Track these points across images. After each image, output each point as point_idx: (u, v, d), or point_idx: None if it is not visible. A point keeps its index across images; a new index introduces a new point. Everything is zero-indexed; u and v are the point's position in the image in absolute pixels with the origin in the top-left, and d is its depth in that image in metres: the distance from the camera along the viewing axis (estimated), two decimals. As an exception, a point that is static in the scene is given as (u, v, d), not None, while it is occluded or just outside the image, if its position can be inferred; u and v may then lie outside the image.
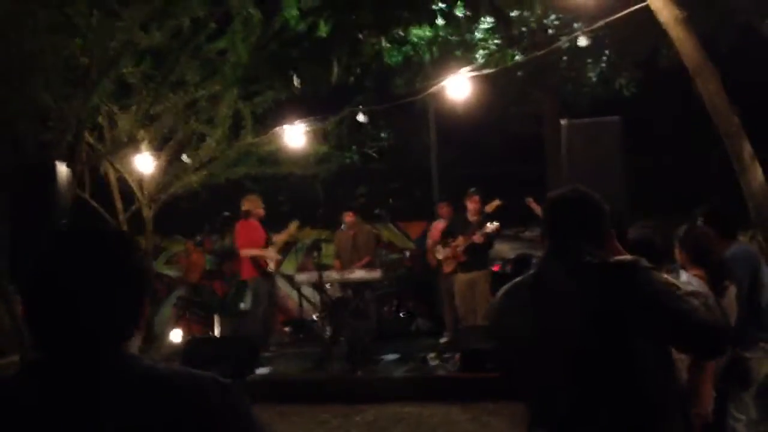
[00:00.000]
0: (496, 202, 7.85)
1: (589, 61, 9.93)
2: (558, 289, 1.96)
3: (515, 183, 11.93)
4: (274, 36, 8.32)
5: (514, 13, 6.64)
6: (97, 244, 1.28)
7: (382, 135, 13.28)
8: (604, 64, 9.95)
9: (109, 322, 1.22)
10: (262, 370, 7.30)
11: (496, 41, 9.67)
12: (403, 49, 9.71)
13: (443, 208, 8.79)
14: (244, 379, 6.70)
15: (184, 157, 8.66)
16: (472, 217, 7.96)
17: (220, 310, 9.53)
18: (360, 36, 6.05)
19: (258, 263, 8.27)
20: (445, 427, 5.67)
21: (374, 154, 13.09)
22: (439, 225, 8.73)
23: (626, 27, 7.64)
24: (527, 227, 11.14)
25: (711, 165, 11.71)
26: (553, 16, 8.92)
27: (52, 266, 1.24)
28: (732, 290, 3.44)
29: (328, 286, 8.33)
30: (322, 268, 8.01)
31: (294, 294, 10.75)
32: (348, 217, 8.65)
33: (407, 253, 10.85)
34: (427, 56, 9.77)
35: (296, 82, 6.58)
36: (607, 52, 9.79)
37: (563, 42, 7.46)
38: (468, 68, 7.11)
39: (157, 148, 8.56)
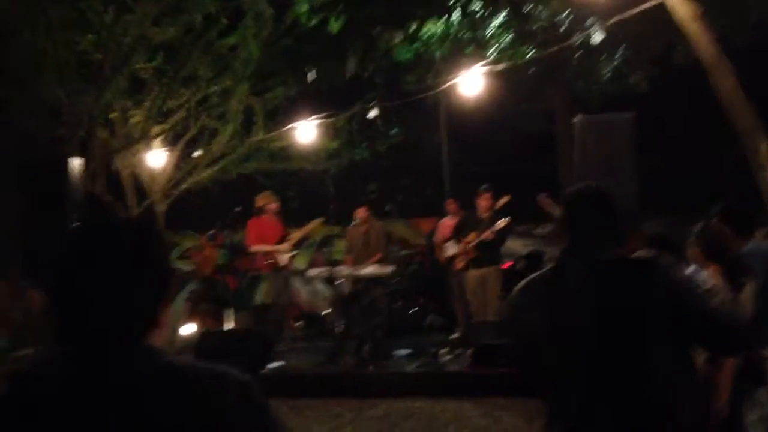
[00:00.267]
0: (505, 199, 7.84)
1: (603, 57, 9.87)
2: (576, 286, 1.95)
3: (526, 180, 11.92)
4: (286, 32, 8.34)
5: (529, 8, 6.61)
6: (120, 236, 1.28)
7: (393, 131, 13.28)
8: (617, 61, 9.89)
9: (130, 315, 1.22)
10: (274, 364, 7.33)
11: (508, 38, 9.64)
12: (414, 45, 9.70)
13: (451, 205, 8.80)
14: (257, 373, 6.73)
15: (196, 153, 8.70)
16: (483, 213, 7.95)
17: (232, 304, 9.57)
18: (374, 32, 6.05)
19: (268, 259, 8.30)
20: (457, 422, 5.67)
21: (385, 151, 13.09)
22: (447, 222, 8.73)
23: (640, 23, 7.60)
24: (539, 224, 11.13)
25: (725, 162, 11.66)
26: (566, 13, 8.86)
27: (74, 258, 1.24)
28: (750, 287, 3.42)
29: (339, 281, 8.34)
30: (333, 263, 8.02)
31: (305, 289, 10.79)
32: (360, 213, 8.66)
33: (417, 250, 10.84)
34: (438, 53, 9.75)
35: (311, 77, 6.60)
36: (620, 48, 9.73)
37: (577, 38, 7.43)
38: (480, 65, 7.10)
39: (170, 143, 8.61)
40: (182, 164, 8.67)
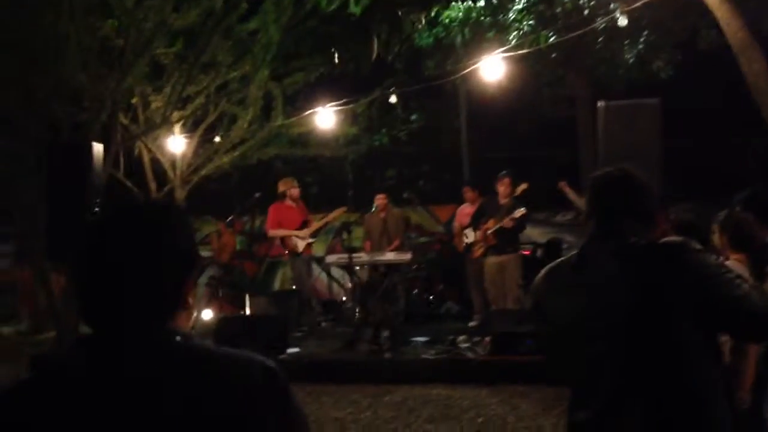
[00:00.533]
0: (524, 186, 7.77)
1: (626, 42, 9.72)
2: (602, 271, 1.91)
3: (547, 166, 11.81)
4: (307, 16, 8.30)
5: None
6: (144, 217, 1.27)
7: (413, 117, 13.22)
8: (641, 46, 9.73)
9: (156, 296, 1.21)
10: (292, 350, 7.36)
11: (529, 22, 9.51)
12: (435, 30, 9.61)
13: (469, 193, 8.74)
14: (275, 359, 6.76)
15: (216, 139, 8.72)
16: (502, 200, 7.90)
17: (250, 290, 9.62)
18: (400, 13, 5.99)
19: (286, 245, 8.31)
20: (475, 409, 5.66)
21: (404, 137, 13.04)
22: (465, 209, 8.69)
23: (664, 7, 7.46)
24: (558, 212, 11.04)
25: (750, 150, 11.45)
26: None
27: (98, 240, 1.23)
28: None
29: (357, 268, 8.34)
30: (351, 250, 8.02)
31: (323, 275, 10.83)
32: (379, 200, 8.64)
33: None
34: (459, 38, 9.65)
35: (336, 59, 6.56)
36: (645, 33, 9.56)
37: (601, 22, 7.32)
38: (501, 50, 7.02)
39: (190, 129, 8.63)
40: (202, 150, 8.70)
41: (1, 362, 7.48)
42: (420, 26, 8.11)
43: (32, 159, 7.11)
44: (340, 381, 6.54)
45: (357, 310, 8.14)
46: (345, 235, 8.38)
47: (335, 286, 10.52)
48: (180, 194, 8.58)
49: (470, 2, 6.50)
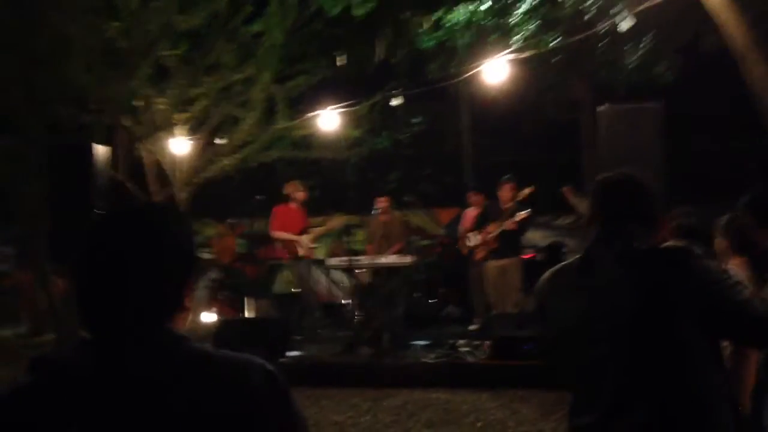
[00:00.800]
0: (528, 190, 7.77)
1: (629, 46, 9.71)
2: (606, 274, 1.91)
3: (549, 169, 11.81)
4: (312, 18, 8.32)
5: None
6: (144, 220, 1.28)
7: (415, 120, 13.22)
8: (643, 50, 9.72)
9: (155, 299, 1.22)
10: (292, 353, 7.35)
11: (532, 26, 9.51)
12: (437, 33, 9.61)
13: (473, 196, 8.74)
14: (276, 362, 6.75)
15: (219, 141, 8.73)
16: (505, 204, 7.90)
17: (251, 292, 9.61)
18: (403, 16, 6.00)
19: (288, 248, 8.30)
20: (475, 413, 5.65)
21: (406, 140, 13.04)
22: (470, 213, 8.69)
23: (667, 11, 7.45)
24: (560, 215, 11.04)
25: (751, 153, 11.44)
26: (591, 0, 8.72)
27: (98, 244, 1.24)
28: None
29: (358, 271, 8.34)
30: (353, 253, 8.01)
31: (324, 278, 10.82)
32: (381, 203, 8.64)
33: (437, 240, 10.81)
34: (462, 41, 9.64)
35: (340, 62, 6.57)
36: (646, 37, 9.56)
37: (603, 26, 7.32)
38: (504, 53, 7.02)
39: (193, 131, 8.65)
40: (204, 152, 8.70)
41: (4, 365, 7.49)
42: (423, 29, 8.11)
43: (35, 160, 7.13)
44: (340, 384, 6.53)
45: (357, 313, 8.14)
46: (346, 238, 8.38)
47: (336, 289, 10.49)
48: (182, 196, 8.59)
49: (473, 6, 6.49)
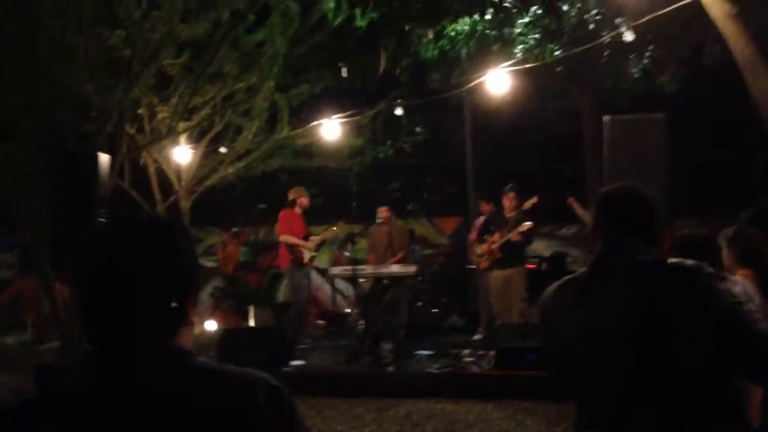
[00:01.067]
0: (534, 200, 7.77)
1: (632, 56, 9.73)
2: (611, 288, 1.90)
3: (552, 179, 11.81)
4: (314, 28, 8.34)
5: (565, 7, 6.53)
6: (146, 234, 1.27)
7: (417, 129, 13.24)
8: (647, 60, 9.74)
9: (159, 314, 1.21)
10: (295, 363, 7.33)
11: (534, 36, 9.54)
12: (440, 43, 9.64)
13: (484, 205, 8.73)
14: (278, 371, 6.74)
15: (221, 149, 8.74)
16: (508, 213, 7.90)
17: (254, 301, 9.60)
18: (407, 27, 6.01)
19: (293, 252, 8.27)
20: (480, 424, 5.62)
21: (409, 149, 13.05)
22: (480, 222, 8.70)
23: (669, 23, 7.47)
24: (563, 225, 11.03)
25: (754, 165, 11.44)
26: (595, 11, 8.75)
27: (100, 258, 1.23)
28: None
29: (361, 280, 8.33)
30: (355, 262, 8.00)
31: (327, 287, 10.81)
32: (382, 213, 8.63)
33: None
34: (465, 51, 9.67)
35: (344, 73, 6.58)
36: (650, 48, 9.58)
37: (607, 37, 7.33)
38: (506, 63, 7.03)
39: (195, 139, 8.65)
40: (207, 161, 8.71)
41: (5, 372, 7.47)
42: (426, 39, 8.12)
43: (38, 168, 7.13)
44: (343, 394, 6.50)
45: (361, 323, 8.12)
46: (349, 247, 8.37)
47: (339, 297, 10.48)
48: (185, 205, 8.58)
49: (476, 17, 6.49)
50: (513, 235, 7.65)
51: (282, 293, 10.76)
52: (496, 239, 7.82)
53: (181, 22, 7.25)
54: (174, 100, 7.71)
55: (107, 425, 1.15)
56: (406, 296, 8.71)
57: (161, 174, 8.53)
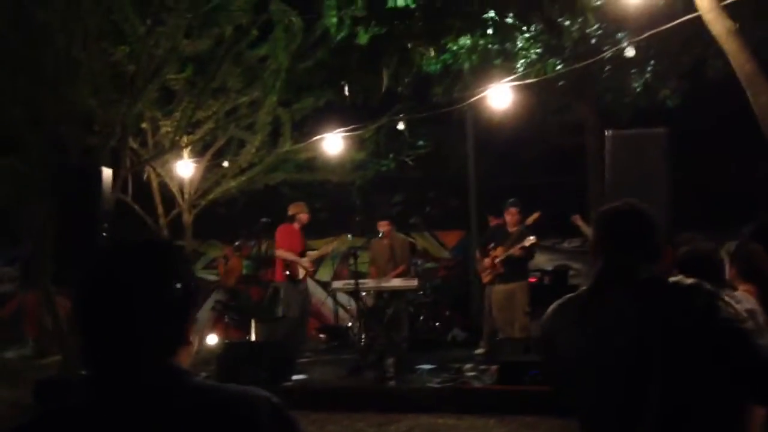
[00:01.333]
0: (536, 216, 7.78)
1: (634, 71, 9.77)
2: (613, 307, 1.90)
3: (554, 193, 11.80)
4: (317, 43, 8.39)
5: (567, 23, 6.59)
6: (143, 257, 1.27)
7: (420, 143, 13.26)
8: (648, 75, 9.78)
9: (157, 336, 1.21)
10: (297, 377, 7.31)
11: (536, 50, 9.58)
12: (443, 57, 9.68)
13: (492, 221, 8.73)
14: (280, 386, 6.71)
15: (224, 163, 8.76)
16: (510, 228, 7.90)
17: (256, 314, 9.58)
18: (408, 45, 6.04)
19: (289, 268, 8.26)
20: (482, 440, 5.60)
21: (411, 162, 13.07)
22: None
23: (671, 37, 7.50)
24: (565, 238, 11.02)
25: (756, 179, 11.43)
26: (596, 26, 8.79)
27: (102, 280, 1.24)
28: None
29: (363, 294, 8.31)
30: (358, 275, 8.00)
31: (329, 301, 10.79)
32: (383, 226, 8.62)
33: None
34: (467, 65, 9.71)
35: (347, 91, 6.61)
36: (652, 62, 9.62)
37: (609, 52, 7.36)
38: (508, 78, 7.06)
39: (198, 153, 8.68)
40: (209, 174, 8.73)
41: (5, 386, 7.45)
42: (428, 57, 8.17)
43: (41, 182, 7.16)
44: (345, 409, 6.48)
45: (363, 336, 8.10)
46: (352, 261, 8.36)
47: (341, 311, 10.45)
48: (187, 218, 8.60)
49: (484, 33, 6.54)
50: (515, 250, 7.65)
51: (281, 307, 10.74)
52: (499, 254, 7.82)
53: (185, 38, 7.31)
54: (177, 114, 7.75)
55: None
56: (408, 310, 8.69)
57: (164, 188, 8.55)
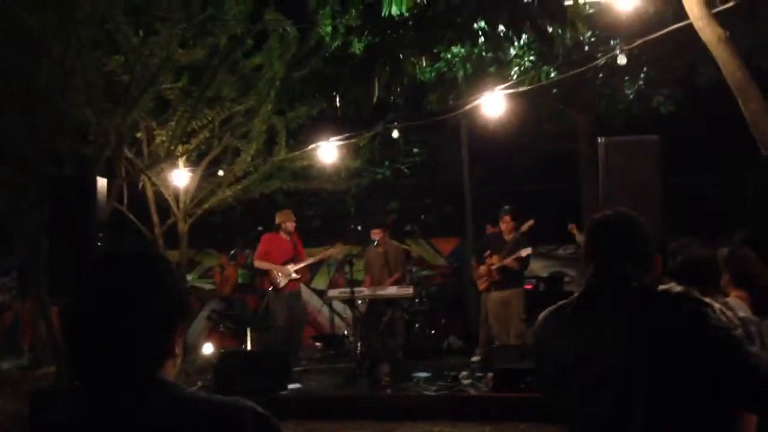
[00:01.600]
0: (530, 223, 7.81)
1: (627, 78, 9.82)
2: (603, 315, 1.92)
3: (549, 199, 11.84)
4: (311, 53, 8.41)
5: (558, 32, 6.62)
6: (135, 271, 1.28)
7: (415, 151, 13.29)
8: (641, 82, 9.83)
9: (144, 348, 1.22)
10: (292, 386, 7.30)
11: (530, 58, 9.63)
12: (437, 65, 9.72)
13: (490, 229, 8.77)
14: (276, 395, 6.70)
15: (220, 172, 8.77)
16: (506, 235, 7.93)
17: (251, 323, 9.57)
18: (401, 55, 6.06)
19: (269, 278, 8.26)
20: (478, 447, 5.60)
21: (406, 170, 13.09)
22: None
23: (663, 44, 7.55)
24: (560, 245, 11.04)
25: (748, 186, 11.48)
26: (589, 33, 8.84)
27: (88, 293, 1.25)
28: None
29: (359, 302, 8.31)
30: (353, 283, 8.00)
31: (325, 309, 10.78)
32: (376, 234, 8.62)
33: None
34: (461, 73, 9.76)
35: (338, 102, 6.63)
36: (645, 69, 9.68)
37: (601, 60, 7.41)
38: (502, 86, 7.09)
39: (193, 163, 8.68)
40: (205, 183, 8.73)
41: (1, 397, 7.43)
42: (420, 67, 8.20)
43: (36, 192, 7.15)
44: (341, 417, 6.47)
45: (358, 344, 8.09)
46: (347, 269, 8.35)
47: (336, 319, 10.45)
48: (182, 227, 8.59)
49: (475, 43, 6.56)
50: (509, 263, 7.70)
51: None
52: (494, 261, 7.84)
53: (180, 48, 7.32)
54: (172, 123, 7.75)
55: None
56: (404, 318, 8.69)
57: (159, 197, 8.55)
